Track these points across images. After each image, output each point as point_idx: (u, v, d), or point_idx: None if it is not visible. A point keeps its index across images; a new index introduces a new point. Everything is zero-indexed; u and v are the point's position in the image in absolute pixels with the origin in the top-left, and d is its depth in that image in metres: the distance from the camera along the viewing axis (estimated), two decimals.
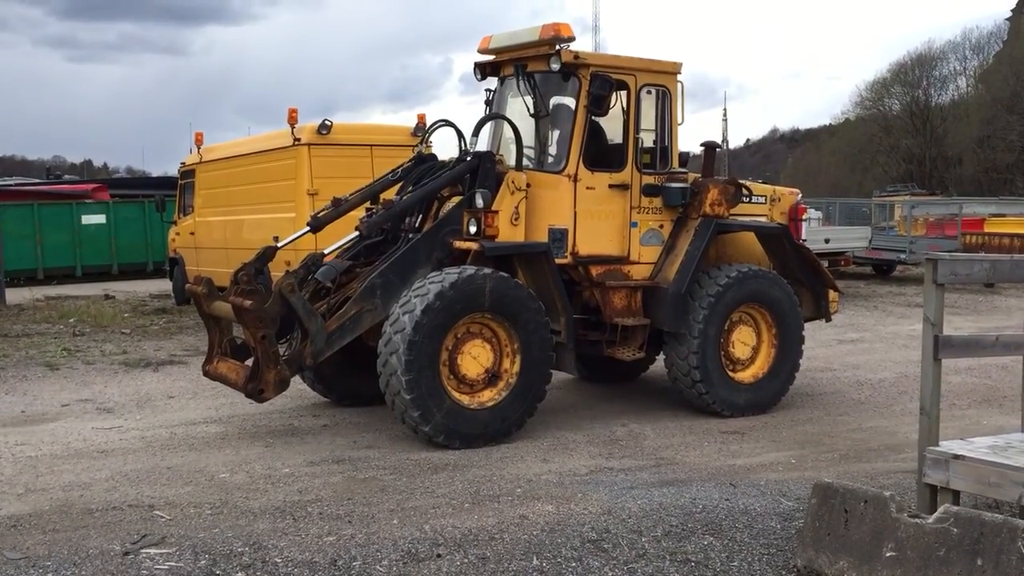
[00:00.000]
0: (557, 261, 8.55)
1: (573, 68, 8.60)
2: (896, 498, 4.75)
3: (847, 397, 10.20)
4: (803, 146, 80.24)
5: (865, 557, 4.69)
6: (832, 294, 10.18)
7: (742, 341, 9.25)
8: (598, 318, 8.99)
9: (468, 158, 8.68)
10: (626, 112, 8.91)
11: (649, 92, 9.06)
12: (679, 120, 9.25)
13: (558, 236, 8.66)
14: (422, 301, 7.62)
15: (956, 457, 5.18)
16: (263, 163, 14.89)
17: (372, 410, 9.04)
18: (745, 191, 9.58)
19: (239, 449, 7.91)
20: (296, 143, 13.75)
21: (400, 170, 9.22)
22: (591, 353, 9.23)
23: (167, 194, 20.92)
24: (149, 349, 13.12)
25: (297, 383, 8.77)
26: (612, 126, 9.10)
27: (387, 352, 7.67)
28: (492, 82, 9.55)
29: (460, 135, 9.07)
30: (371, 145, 14.07)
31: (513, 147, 8.75)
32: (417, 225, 8.78)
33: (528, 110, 8.94)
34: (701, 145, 9.74)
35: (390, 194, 9.07)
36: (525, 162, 8.80)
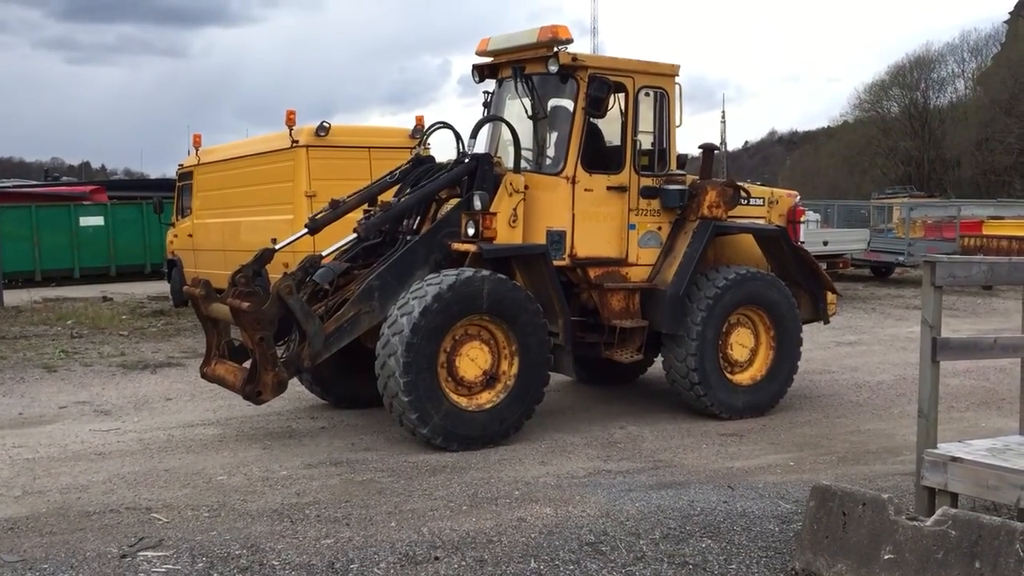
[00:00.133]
0: (555, 263, 8.55)
1: (571, 70, 8.61)
2: (894, 500, 4.75)
3: (845, 399, 10.19)
4: (801, 148, 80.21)
5: (863, 560, 4.69)
6: (830, 296, 10.18)
7: (740, 343, 9.25)
8: (596, 320, 8.99)
9: (466, 160, 8.69)
10: (624, 114, 8.91)
11: (647, 94, 9.07)
12: (677, 122, 9.25)
13: (556, 238, 8.66)
14: (420, 303, 7.62)
15: (954, 460, 5.17)
16: (261, 165, 14.89)
17: (370, 412, 9.03)
18: (743, 193, 9.58)
19: (237, 451, 7.90)
20: (294, 145, 13.76)
21: (398, 172, 9.22)
22: (589, 355, 9.22)
23: (165, 196, 20.93)
24: (147, 351, 13.11)
25: (295, 385, 8.76)
26: (610, 128, 9.10)
27: (385, 354, 7.66)
28: (490, 84, 9.55)
29: (458, 137, 9.09)
30: (369, 147, 14.08)
31: (511, 149, 8.75)
32: (415, 227, 8.78)
33: (526, 112, 8.94)
34: (699, 147, 9.74)
35: (388, 196, 9.07)
36: (523, 164, 8.80)
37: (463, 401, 7.90)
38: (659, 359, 9.52)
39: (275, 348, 7.83)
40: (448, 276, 7.82)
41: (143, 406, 9.75)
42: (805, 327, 9.82)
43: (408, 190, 8.87)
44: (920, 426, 5.36)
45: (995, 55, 59.94)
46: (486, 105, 9.55)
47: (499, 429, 8.01)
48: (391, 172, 9.34)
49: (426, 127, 10.86)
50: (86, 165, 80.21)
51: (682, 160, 9.65)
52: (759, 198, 9.99)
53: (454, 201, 8.69)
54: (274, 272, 9.72)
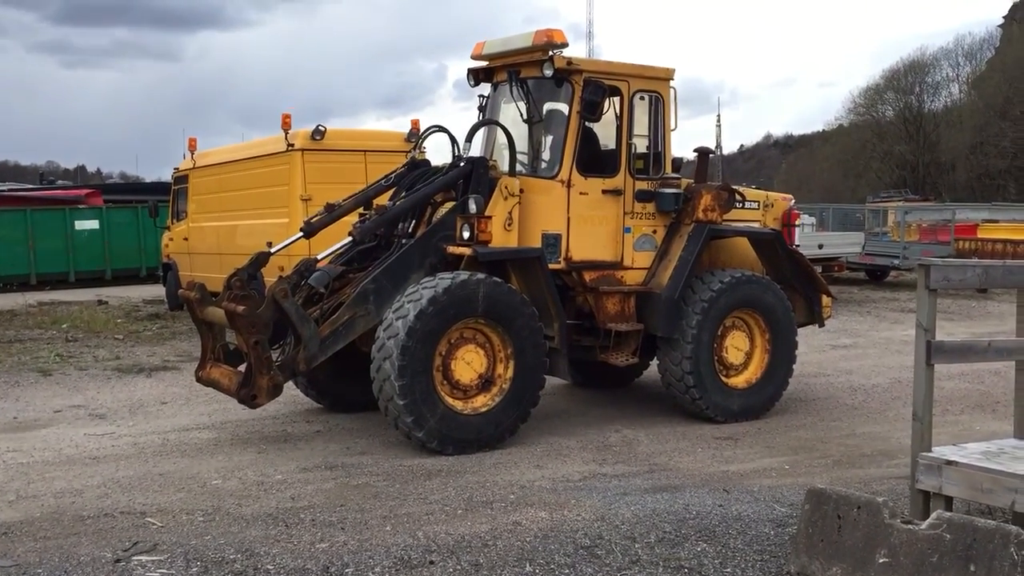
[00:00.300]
0: (550, 266, 8.55)
1: (566, 74, 8.62)
2: (889, 504, 4.76)
3: (840, 403, 10.20)
4: (796, 152, 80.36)
5: (858, 563, 4.69)
6: (825, 299, 10.20)
7: (735, 346, 9.26)
8: (591, 323, 8.99)
9: (461, 164, 8.69)
10: (619, 118, 8.92)
11: (642, 98, 9.08)
12: (672, 126, 9.27)
13: (551, 241, 8.67)
14: (415, 306, 7.62)
15: (949, 463, 5.18)
16: (257, 168, 14.89)
17: (365, 416, 9.02)
18: (738, 197, 9.59)
19: (232, 455, 7.88)
20: (290, 149, 13.76)
21: (393, 176, 9.23)
22: (585, 358, 9.23)
23: (160, 199, 20.90)
24: (142, 355, 13.09)
25: (290, 389, 8.75)
26: (605, 132, 9.11)
27: (380, 357, 7.66)
28: (485, 88, 9.56)
29: (453, 141, 9.10)
30: (365, 151, 14.09)
31: (506, 153, 8.76)
32: (410, 231, 8.79)
33: (521, 116, 8.94)
34: (694, 151, 9.78)
35: (383, 200, 9.08)
36: (518, 168, 8.80)
37: (458, 405, 7.90)
38: (654, 363, 9.53)
39: (270, 352, 7.83)
40: (443, 279, 7.82)
41: (138, 410, 9.73)
42: (800, 330, 9.84)
43: (403, 194, 8.88)
44: (915, 429, 5.37)
45: (989, 59, 60.19)
46: (481, 109, 9.56)
47: (494, 433, 8.00)
48: (386, 176, 9.35)
49: (421, 131, 10.86)
50: (81, 169, 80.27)
51: (677, 164, 9.66)
52: (754, 201, 10.00)
53: (449, 205, 8.69)
54: (269, 276, 9.72)
